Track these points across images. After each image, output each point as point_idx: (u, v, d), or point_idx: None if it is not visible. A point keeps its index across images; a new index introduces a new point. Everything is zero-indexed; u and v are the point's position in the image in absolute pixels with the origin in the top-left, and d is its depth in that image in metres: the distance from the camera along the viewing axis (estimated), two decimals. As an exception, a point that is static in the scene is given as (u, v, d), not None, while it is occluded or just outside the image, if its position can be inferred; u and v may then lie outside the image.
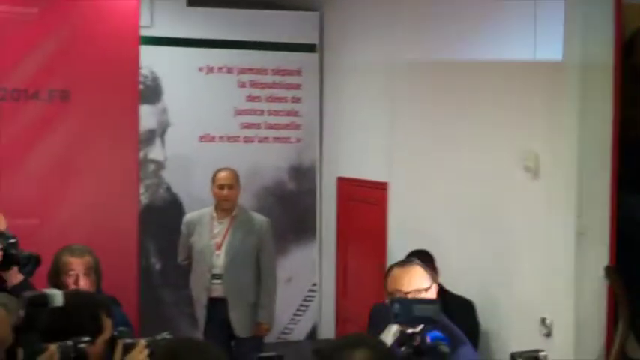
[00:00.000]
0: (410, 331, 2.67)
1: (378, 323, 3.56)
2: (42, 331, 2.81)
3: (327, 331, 6.77)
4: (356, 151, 6.50)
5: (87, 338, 2.88)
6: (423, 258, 4.70)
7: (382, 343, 2.18)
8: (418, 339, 2.63)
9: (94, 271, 4.16)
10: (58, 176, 5.93)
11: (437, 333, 2.72)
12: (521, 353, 2.73)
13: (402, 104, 5.80)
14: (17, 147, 5.81)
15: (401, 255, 5.66)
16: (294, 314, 6.83)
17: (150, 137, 6.45)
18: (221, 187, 5.71)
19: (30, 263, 3.96)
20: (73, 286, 3.96)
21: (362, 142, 6.39)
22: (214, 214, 5.75)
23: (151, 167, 6.46)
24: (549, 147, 4.37)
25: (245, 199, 6.50)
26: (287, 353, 2.91)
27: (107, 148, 6.08)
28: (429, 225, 5.41)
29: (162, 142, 6.51)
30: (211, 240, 5.69)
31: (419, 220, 5.55)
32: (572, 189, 4.27)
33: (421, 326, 2.77)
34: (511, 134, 4.64)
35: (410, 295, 3.31)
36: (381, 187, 5.99)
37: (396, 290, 3.38)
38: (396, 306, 2.71)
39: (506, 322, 4.65)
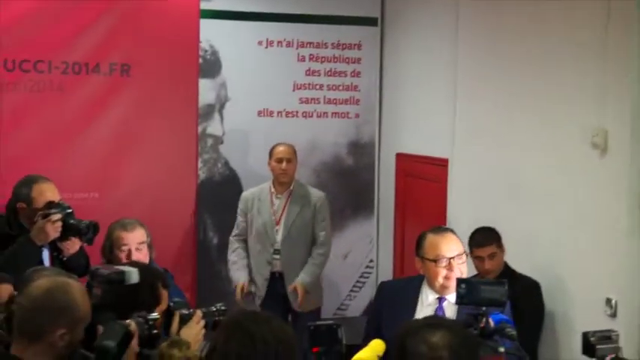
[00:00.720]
0: (476, 312, 2.60)
1: (385, 301, 3.52)
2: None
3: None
4: (416, 127, 6.39)
5: (156, 314, 2.89)
6: (490, 235, 4.63)
7: (461, 326, 2.12)
8: (484, 321, 2.56)
9: (147, 245, 4.16)
10: (118, 150, 5.97)
11: (501, 315, 2.65)
12: (594, 333, 2.68)
13: (464, 79, 5.67)
14: (78, 121, 5.87)
15: (461, 233, 5.59)
16: (351, 290, 6.79)
17: (208, 111, 6.44)
18: (279, 160, 5.70)
19: (90, 231, 4.00)
20: (125, 261, 3.97)
21: (422, 117, 6.29)
22: (272, 189, 5.74)
23: (210, 142, 6.46)
24: (619, 123, 4.21)
25: (303, 174, 6.49)
26: (344, 329, 2.88)
27: (166, 123, 6.12)
28: (490, 203, 5.30)
29: (221, 116, 6.50)
30: (272, 215, 5.68)
31: (480, 198, 5.44)
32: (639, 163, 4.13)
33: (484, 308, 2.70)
34: (579, 109, 4.49)
35: (454, 260, 3.38)
36: (441, 164, 5.89)
37: (440, 256, 3.41)
38: (462, 287, 2.64)
39: (570, 302, 4.52)
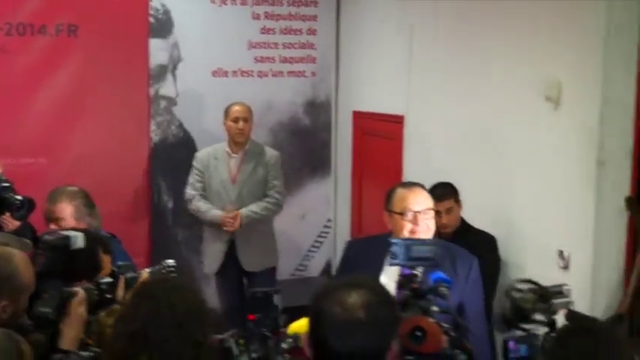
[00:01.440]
0: (408, 272, 2.54)
1: (352, 260, 3.46)
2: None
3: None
4: (372, 84, 6.32)
5: (108, 279, 2.81)
6: (447, 190, 4.60)
7: (381, 286, 2.04)
8: (418, 281, 2.51)
9: (84, 215, 3.98)
10: (66, 114, 5.86)
11: (440, 274, 2.59)
12: (547, 287, 2.63)
13: (420, 35, 5.59)
14: (24, 84, 5.72)
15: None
16: (309, 250, 6.74)
17: (161, 73, 6.29)
18: (235, 120, 5.63)
19: (23, 207, 3.79)
20: None
21: (378, 74, 6.21)
22: (228, 149, 5.66)
23: (163, 103, 6.31)
24: (572, 76, 4.19)
25: (259, 134, 6.39)
26: (301, 289, 2.85)
27: (116, 85, 6.01)
28: (446, 158, 5.26)
29: (174, 77, 6.35)
30: (228, 174, 5.62)
31: (436, 154, 5.40)
32: (594, 119, 4.11)
33: (421, 268, 2.65)
34: (533, 63, 4.46)
35: (420, 214, 3.31)
36: (397, 121, 5.83)
37: (406, 209, 3.35)
38: (395, 247, 2.58)
39: (525, 255, 4.53)
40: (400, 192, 3.47)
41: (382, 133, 6.14)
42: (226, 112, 5.70)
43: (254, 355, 2.62)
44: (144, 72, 6.14)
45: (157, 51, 6.22)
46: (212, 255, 5.69)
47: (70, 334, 2.59)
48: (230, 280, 5.54)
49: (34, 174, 5.45)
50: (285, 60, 6.65)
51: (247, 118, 5.65)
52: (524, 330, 2.39)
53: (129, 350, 2.17)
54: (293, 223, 6.49)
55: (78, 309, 2.65)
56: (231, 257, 5.61)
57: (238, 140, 5.64)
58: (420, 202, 3.36)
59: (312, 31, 6.71)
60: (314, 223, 6.77)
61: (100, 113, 5.95)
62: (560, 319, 2.55)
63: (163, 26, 6.28)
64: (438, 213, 4.52)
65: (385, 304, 1.95)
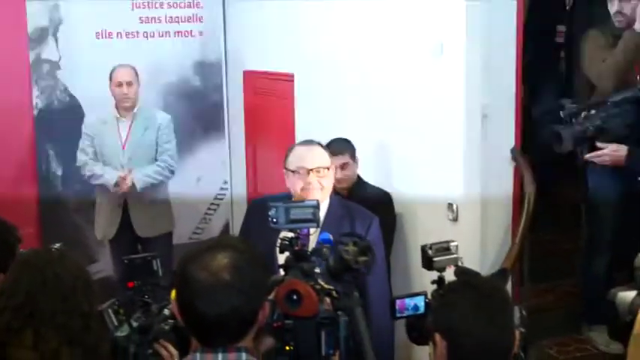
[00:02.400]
0: (289, 236, 2.52)
1: (254, 221, 3.44)
2: None
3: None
4: (262, 43, 6.24)
5: None
6: (343, 145, 4.60)
7: (248, 245, 2.01)
8: (299, 243, 2.49)
9: None
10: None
11: (326, 235, 2.59)
12: (432, 245, 2.66)
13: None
14: None
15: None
16: (205, 214, 6.65)
17: (41, 35, 6.04)
18: (119, 84, 5.49)
19: None
20: None
21: (267, 33, 6.13)
22: (116, 113, 5.52)
23: (45, 68, 6.08)
24: (453, 29, 4.22)
25: (148, 97, 6.23)
26: (159, 261, 2.77)
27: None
28: (338, 116, 5.26)
29: (56, 40, 6.11)
30: (118, 139, 5.49)
31: (327, 111, 5.39)
32: (477, 71, 4.18)
33: (305, 230, 2.63)
34: (416, 17, 4.47)
35: (313, 172, 3.30)
36: (287, 79, 5.79)
37: (299, 167, 3.35)
38: (273, 211, 2.55)
39: (416, 209, 4.59)
40: (295, 150, 3.47)
41: (273, 92, 6.09)
42: (110, 76, 5.55)
43: (135, 324, 2.56)
44: (22, 35, 5.89)
45: (36, 13, 5.97)
46: (105, 221, 5.57)
47: None
48: (124, 246, 5.42)
49: None
50: (171, 20, 6.48)
51: (131, 81, 5.50)
52: (346, 280, 2.42)
53: (13, 324, 2.10)
54: (188, 186, 6.37)
55: None
56: (125, 223, 5.50)
57: (124, 105, 5.51)
58: (314, 161, 3.34)
59: (197, -11, 6.56)
60: (209, 186, 6.68)
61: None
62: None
63: (41, -14, 6.03)
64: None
65: (252, 265, 1.94)
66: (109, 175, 5.47)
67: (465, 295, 2.11)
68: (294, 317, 2.33)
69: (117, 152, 5.50)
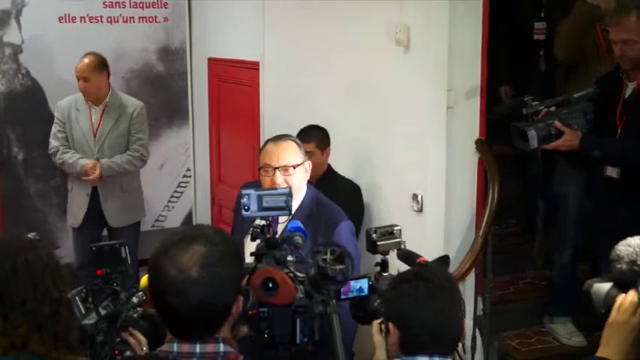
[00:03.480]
0: (260, 223, 2.52)
1: (238, 208, 3.43)
2: None
3: (203, 217, 6.63)
4: (227, 31, 6.21)
5: None
6: (311, 133, 4.59)
7: (221, 236, 2.01)
8: (271, 231, 2.50)
9: None
10: None
11: (296, 223, 2.60)
12: (376, 229, 2.73)
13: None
14: None
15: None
16: (169, 201, 6.63)
17: (3, 18, 5.95)
18: (78, 78, 5.41)
19: None
20: None
21: (232, 20, 6.11)
22: (89, 102, 5.45)
23: (7, 51, 6.00)
24: (420, 20, 4.24)
25: (112, 82, 6.18)
26: (127, 249, 2.76)
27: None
28: (303, 104, 5.27)
29: (18, 23, 6.03)
30: (90, 127, 5.44)
31: (293, 100, 5.40)
32: (444, 62, 4.20)
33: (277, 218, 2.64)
34: (382, 7, 4.48)
35: (280, 171, 3.30)
36: (253, 67, 5.78)
37: (265, 165, 3.34)
38: (245, 200, 2.56)
39: (381, 199, 4.61)
40: (265, 146, 3.46)
41: (238, 80, 6.07)
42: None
43: (103, 312, 2.56)
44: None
45: (-2, -5, 5.90)
46: (76, 208, 5.51)
47: None
48: (89, 234, 5.35)
49: None
50: (135, 5, 6.43)
51: (88, 77, 5.37)
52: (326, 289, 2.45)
53: None
54: (152, 173, 6.35)
55: None
56: (94, 211, 5.45)
57: (87, 98, 5.43)
58: (279, 158, 3.32)
59: (162, -26, 6.51)
60: (173, 174, 6.66)
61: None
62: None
63: (3, -32, 5.94)
64: None
65: (223, 258, 1.93)
66: (78, 164, 5.40)
67: (417, 286, 2.21)
68: (269, 305, 2.34)
69: (88, 140, 5.43)
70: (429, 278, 2.24)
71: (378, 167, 4.62)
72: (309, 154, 4.53)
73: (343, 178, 4.66)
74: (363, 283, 2.56)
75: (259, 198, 2.56)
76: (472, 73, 4.32)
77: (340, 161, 4.73)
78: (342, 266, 2.33)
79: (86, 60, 5.41)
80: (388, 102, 4.52)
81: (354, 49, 4.77)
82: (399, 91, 4.43)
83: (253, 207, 2.55)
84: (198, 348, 1.92)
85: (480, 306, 4.35)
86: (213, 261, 1.91)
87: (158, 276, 1.91)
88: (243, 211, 2.57)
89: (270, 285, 2.32)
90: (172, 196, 6.65)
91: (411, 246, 2.76)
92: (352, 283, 2.52)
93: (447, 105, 4.24)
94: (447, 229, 4.25)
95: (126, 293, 2.67)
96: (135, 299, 2.64)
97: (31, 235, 2.93)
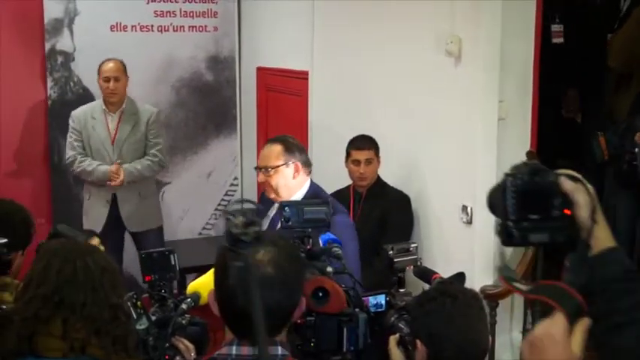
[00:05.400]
0: (302, 235, 2.53)
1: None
2: None
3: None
4: (276, 40, 6.24)
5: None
6: (370, 141, 4.62)
7: (286, 241, 2.02)
8: (310, 242, 2.51)
9: None
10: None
11: (330, 235, 2.60)
12: (392, 246, 2.75)
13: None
14: None
15: (323, 145, 5.55)
16: (216, 209, 6.65)
17: (56, 26, 6.05)
18: (107, 79, 5.44)
19: None
20: None
21: (282, 30, 6.14)
22: (105, 108, 5.51)
23: (60, 59, 6.08)
24: (472, 30, 4.22)
25: (161, 91, 6.29)
26: (208, 249, 2.80)
27: (9, 39, 5.76)
28: (351, 114, 5.26)
29: (71, 31, 6.11)
30: (107, 134, 5.49)
31: (341, 110, 5.40)
32: (495, 73, 4.17)
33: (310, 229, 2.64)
34: (433, 17, 4.46)
35: (262, 171, 3.49)
36: (302, 77, 5.79)
37: (257, 165, 3.59)
38: (287, 210, 2.56)
39: (430, 211, 4.58)
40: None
41: (287, 89, 6.09)
42: (98, 70, 5.51)
43: (152, 318, 2.57)
44: (38, 26, 5.91)
45: (52, 4, 5.98)
46: (95, 215, 5.53)
47: None
48: (111, 240, 5.36)
49: None
50: (185, 14, 6.48)
51: (119, 77, 5.44)
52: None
53: (42, 314, 2.10)
54: (199, 182, 6.39)
55: None
56: (114, 217, 5.48)
57: (111, 100, 5.48)
58: (262, 159, 3.52)
59: (212, -16, 6.56)
60: (220, 182, 6.69)
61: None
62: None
63: (57, -22, 6.03)
64: (356, 162, 4.59)
65: (292, 260, 1.94)
66: (98, 171, 5.45)
67: (444, 303, 2.27)
68: (317, 314, 2.34)
69: (106, 147, 5.48)
70: (456, 295, 2.29)
71: (428, 178, 4.59)
72: (368, 161, 4.55)
73: (393, 188, 4.65)
74: (381, 299, 2.60)
75: (300, 210, 2.56)
76: (523, 84, 4.29)
77: (389, 172, 4.71)
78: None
79: (112, 63, 5.48)
80: (438, 113, 4.49)
81: (403, 59, 4.75)
82: (449, 102, 4.40)
83: (294, 219, 2.56)
84: (257, 351, 1.90)
85: (530, 319, 4.28)
86: (284, 261, 1.90)
87: (229, 274, 1.88)
88: (284, 223, 2.58)
89: (320, 294, 2.33)
90: (220, 205, 6.68)
91: (460, 257, 2.75)
92: (370, 298, 2.57)
93: (497, 116, 4.21)
94: (497, 241, 4.19)
95: (173, 300, 2.69)
96: (184, 306, 2.66)
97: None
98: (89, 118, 5.50)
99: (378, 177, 4.65)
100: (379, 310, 2.58)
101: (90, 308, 2.10)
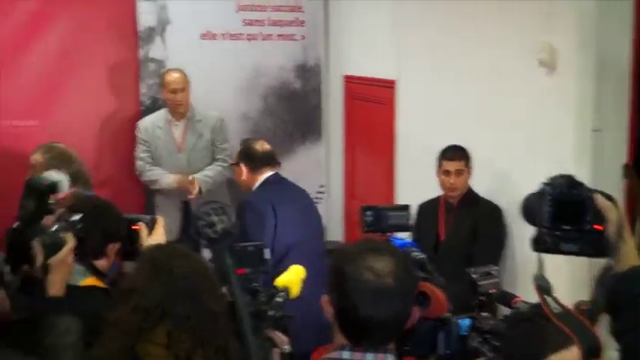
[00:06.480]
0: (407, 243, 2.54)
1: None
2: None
3: (335, 233, 6.68)
4: (362, 48, 6.26)
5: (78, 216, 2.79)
6: (461, 152, 4.61)
7: (398, 250, 2.04)
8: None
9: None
10: (56, 75, 5.81)
11: (403, 240, 2.60)
12: (475, 270, 2.73)
13: (409, -1, 5.55)
14: (13, 45, 5.65)
15: (408, 154, 5.54)
16: (302, 216, 6.71)
17: (150, 35, 6.19)
18: (174, 91, 5.61)
19: None
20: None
21: (368, 38, 6.16)
22: (170, 117, 5.63)
23: (152, 66, 6.23)
24: (566, 39, 4.15)
25: (250, 99, 6.38)
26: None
27: (105, 46, 5.95)
28: (440, 124, 5.24)
29: (163, 40, 6.26)
30: (174, 143, 5.63)
31: (429, 119, 5.37)
32: (589, 84, 4.09)
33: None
34: (526, 26, 4.41)
35: None
36: (388, 85, 5.79)
37: None
38: (368, 214, 2.57)
39: (524, 224, 4.49)
40: None
41: (374, 97, 6.11)
42: (162, 81, 5.68)
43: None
44: (132, 34, 6.06)
45: (146, 13, 6.13)
46: (167, 222, 5.58)
47: (58, 279, 2.57)
48: (188, 245, 5.44)
49: (24, 136, 5.42)
50: (274, 23, 6.57)
51: (184, 87, 5.61)
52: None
53: (145, 325, 2.14)
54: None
55: (69, 255, 2.62)
56: (186, 222, 5.57)
57: (178, 111, 5.64)
58: None
59: (300, -7, 6.63)
60: (306, 189, 6.71)
61: (89, 75, 5.92)
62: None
63: (151, -12, 6.18)
64: (447, 173, 4.57)
65: (407, 270, 1.95)
66: (168, 179, 5.55)
67: (541, 325, 2.20)
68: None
69: (174, 156, 5.62)
70: (549, 317, 2.24)
71: (520, 189, 4.47)
72: (458, 172, 4.52)
73: (484, 199, 4.60)
74: (466, 322, 2.56)
75: (383, 215, 2.57)
76: (619, 95, 4.19)
77: (481, 182, 4.67)
78: (223, 218, 2.29)
79: (177, 74, 5.64)
80: (530, 122, 4.43)
81: (493, 67, 4.71)
82: (542, 112, 4.34)
83: (376, 224, 2.57)
84: (369, 357, 1.91)
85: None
86: (402, 271, 1.92)
87: (349, 283, 1.89)
88: (365, 228, 2.59)
89: (421, 298, 2.34)
90: (305, 212, 6.71)
91: (551, 271, 2.69)
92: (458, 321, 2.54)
93: (592, 127, 4.12)
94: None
95: (266, 292, 2.72)
96: (279, 298, 2.69)
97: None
98: (156, 128, 5.66)
99: (470, 188, 4.61)
100: (463, 334, 2.54)
101: (194, 320, 2.13)
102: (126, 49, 6.04)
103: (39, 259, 2.56)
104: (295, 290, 2.67)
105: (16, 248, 2.65)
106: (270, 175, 4.46)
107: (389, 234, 2.63)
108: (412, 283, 1.97)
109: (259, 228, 4.08)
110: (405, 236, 3.08)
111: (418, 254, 2.53)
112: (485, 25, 4.77)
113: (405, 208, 2.66)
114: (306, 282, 3.15)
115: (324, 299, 1.97)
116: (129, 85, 6.08)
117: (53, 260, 2.56)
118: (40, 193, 2.69)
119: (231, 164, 4.52)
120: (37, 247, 2.58)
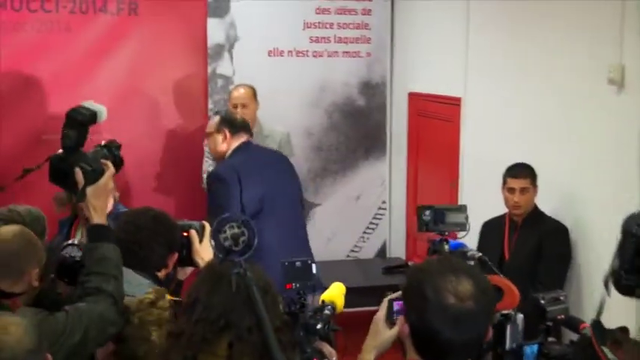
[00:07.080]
0: (438, 239, 2.56)
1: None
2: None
3: (397, 249, 6.68)
4: (428, 65, 6.28)
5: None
6: (526, 170, 4.59)
7: (473, 269, 2.04)
8: (447, 247, 2.54)
9: None
10: (126, 91, 5.96)
11: (456, 242, 2.62)
12: (543, 296, 2.73)
13: (476, 16, 5.54)
14: (85, 62, 5.83)
15: (473, 172, 5.53)
16: (364, 232, 6.74)
17: (218, 51, 6.32)
18: (235, 106, 5.65)
19: None
20: None
21: (434, 55, 6.17)
22: None
23: (220, 82, 6.35)
24: (636, 59, 4.11)
25: (315, 114, 6.45)
26: (356, 271, 2.85)
27: (175, 63, 6.08)
28: (504, 142, 5.22)
29: (231, 56, 6.38)
30: None
31: (494, 137, 5.36)
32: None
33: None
34: (595, 44, 4.38)
35: None
36: (454, 103, 5.79)
37: None
38: (427, 213, 2.59)
39: (591, 242, 4.45)
40: None
41: (439, 114, 6.11)
42: (229, 95, 5.74)
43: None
44: (202, 50, 6.20)
45: (215, 30, 6.27)
46: None
47: (99, 206, 2.69)
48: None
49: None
50: (340, 40, 6.63)
51: (246, 103, 5.65)
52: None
53: (208, 336, 2.17)
54: (348, 204, 6.50)
55: (110, 182, 2.74)
56: None
57: None
58: None
59: (366, 11, 6.68)
60: (369, 205, 6.77)
61: (159, 91, 6.08)
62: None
63: (221, 5, 6.31)
64: (511, 190, 4.55)
65: (485, 291, 1.93)
66: None
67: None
68: None
69: None
70: (621, 342, 2.26)
71: (587, 208, 4.47)
72: (523, 190, 4.50)
73: (550, 218, 4.56)
74: (534, 348, 2.57)
75: (440, 214, 2.60)
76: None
77: (547, 201, 4.63)
78: (244, 232, 2.29)
79: (242, 89, 5.70)
80: (597, 141, 4.39)
81: (561, 86, 4.68)
82: (610, 132, 4.29)
83: (434, 223, 2.60)
84: None
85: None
86: (482, 292, 1.91)
87: (430, 305, 1.88)
88: (422, 227, 2.62)
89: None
90: (368, 228, 6.74)
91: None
92: (527, 347, 2.54)
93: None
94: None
95: (312, 307, 2.75)
96: (327, 311, 2.72)
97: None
98: None
99: (535, 206, 4.58)
100: None
101: (256, 335, 2.14)
102: (195, 65, 6.17)
103: (80, 185, 2.68)
104: (340, 304, 2.70)
105: (59, 175, 2.75)
106: (243, 142, 4.57)
107: (446, 233, 2.65)
108: (491, 305, 1.97)
109: (226, 197, 4.22)
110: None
111: (475, 252, 2.55)
112: (553, 42, 4.74)
113: (463, 208, 2.68)
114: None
115: (400, 321, 1.98)
116: (197, 101, 6.21)
117: (94, 187, 2.68)
118: (80, 123, 2.76)
119: (208, 133, 4.60)
120: (78, 174, 2.68)
